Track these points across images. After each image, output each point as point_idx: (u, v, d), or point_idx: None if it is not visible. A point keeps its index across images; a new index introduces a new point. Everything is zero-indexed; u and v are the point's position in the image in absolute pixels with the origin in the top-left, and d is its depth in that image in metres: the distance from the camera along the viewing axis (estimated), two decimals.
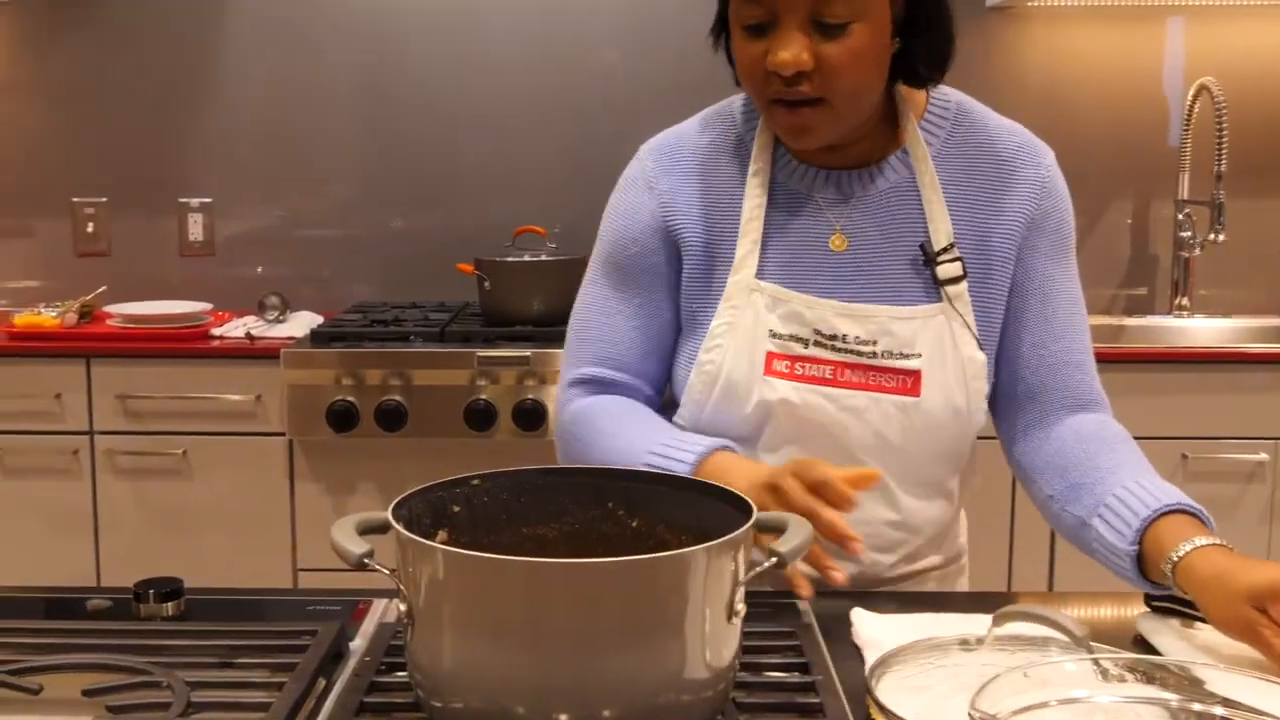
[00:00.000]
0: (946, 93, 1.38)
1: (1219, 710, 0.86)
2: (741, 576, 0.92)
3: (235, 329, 2.91)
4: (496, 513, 1.06)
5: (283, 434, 2.77)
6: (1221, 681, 0.93)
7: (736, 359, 1.30)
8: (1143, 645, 1.19)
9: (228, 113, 3.24)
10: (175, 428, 2.80)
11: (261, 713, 0.96)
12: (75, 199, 3.27)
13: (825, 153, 1.32)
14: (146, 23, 3.21)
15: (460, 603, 0.89)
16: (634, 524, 1.08)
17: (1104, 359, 2.72)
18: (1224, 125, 3.05)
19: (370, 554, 0.94)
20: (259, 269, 3.28)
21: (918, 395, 1.28)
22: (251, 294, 3.10)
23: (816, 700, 0.99)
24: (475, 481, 1.06)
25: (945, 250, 1.29)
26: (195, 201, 3.27)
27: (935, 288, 1.30)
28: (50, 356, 2.80)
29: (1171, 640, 1.16)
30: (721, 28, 1.33)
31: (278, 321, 2.97)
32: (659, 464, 1.25)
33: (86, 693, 1.00)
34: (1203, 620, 1.18)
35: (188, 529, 2.83)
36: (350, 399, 2.70)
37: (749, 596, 0.95)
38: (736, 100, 1.39)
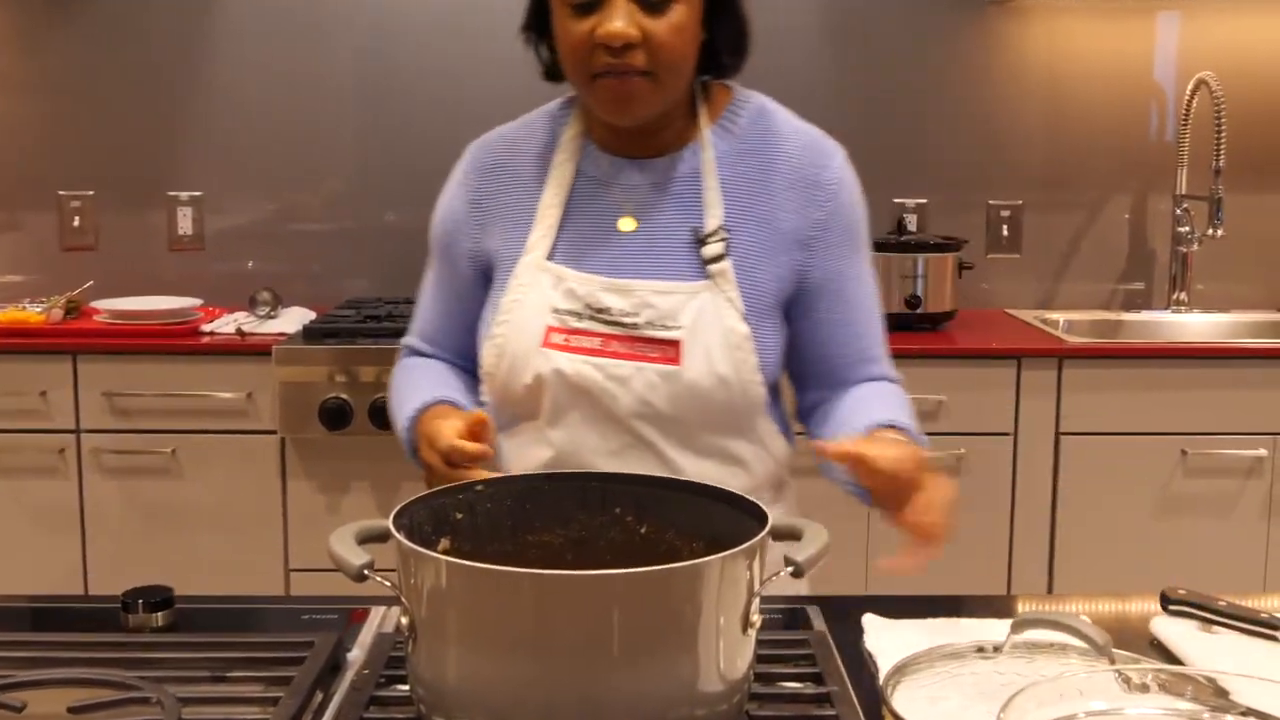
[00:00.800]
0: (750, 96, 1.49)
1: None
2: (757, 586, 0.89)
3: (226, 325, 2.87)
4: (500, 519, 1.03)
5: (274, 432, 2.74)
6: (1249, 691, 0.90)
7: (520, 333, 1.40)
8: (1160, 649, 1.17)
9: (218, 105, 3.20)
10: (164, 426, 2.76)
11: None
12: (62, 192, 3.23)
13: (628, 142, 1.42)
14: (135, 14, 3.17)
15: (465, 615, 0.86)
16: (642, 530, 1.05)
17: (1102, 354, 2.75)
18: (1223, 120, 3.03)
19: (371, 565, 0.90)
20: (250, 264, 3.24)
21: (679, 364, 1.36)
22: (242, 289, 3.06)
23: (832, 713, 0.96)
24: (479, 487, 1.03)
25: (713, 233, 1.39)
26: (185, 195, 3.23)
27: (704, 266, 1.38)
28: (36, 353, 2.76)
29: (1191, 644, 1.13)
30: (534, 25, 1.42)
31: (269, 317, 2.93)
32: (405, 425, 1.44)
33: (72, 710, 0.96)
34: (1222, 623, 1.15)
35: (177, 529, 2.79)
36: (343, 396, 2.66)
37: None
38: (555, 103, 1.51)
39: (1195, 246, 3.18)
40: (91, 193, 3.23)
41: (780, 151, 1.43)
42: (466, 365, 1.53)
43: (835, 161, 1.44)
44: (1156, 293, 3.30)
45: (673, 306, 1.36)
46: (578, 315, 1.39)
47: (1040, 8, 3.20)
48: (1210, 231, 3.07)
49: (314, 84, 3.18)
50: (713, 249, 1.38)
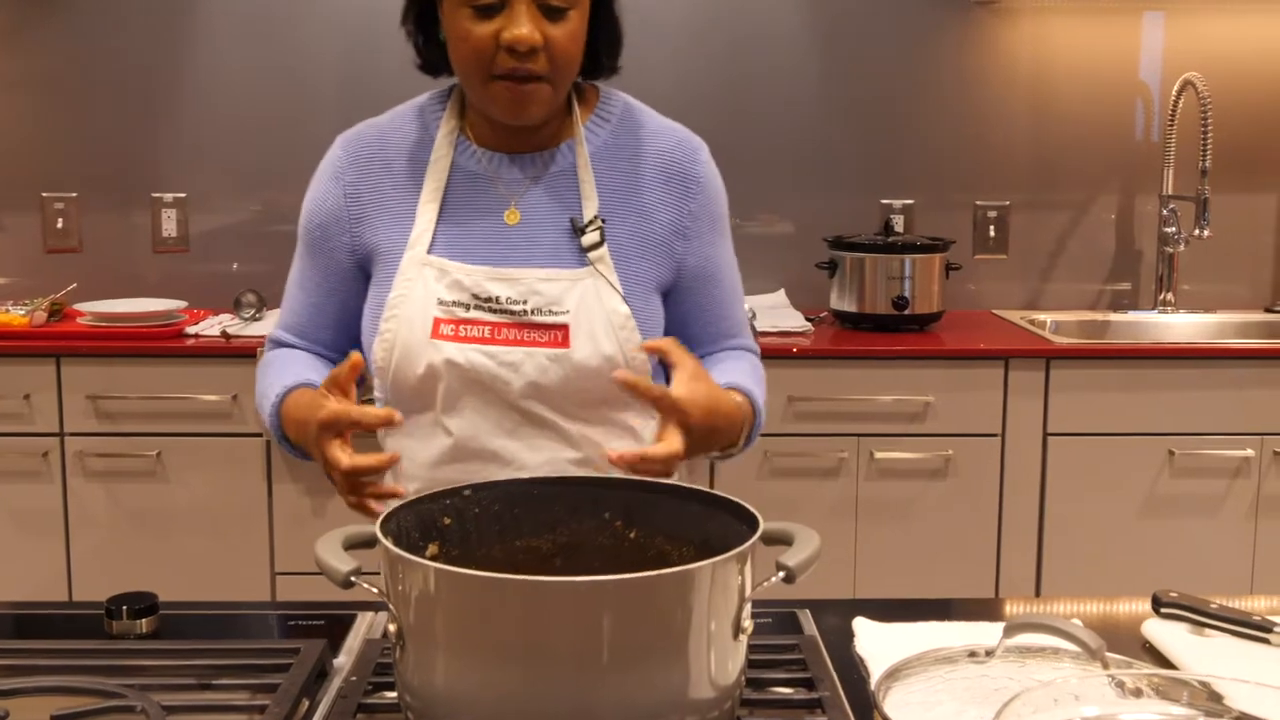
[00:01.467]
0: (615, 94, 1.54)
1: None
2: (748, 592, 0.89)
3: (210, 327, 2.86)
4: (488, 525, 1.02)
5: (259, 435, 2.72)
6: (1242, 695, 0.90)
7: (409, 326, 1.42)
8: (1152, 652, 1.16)
9: (202, 105, 3.18)
10: (148, 429, 2.74)
11: None
12: (45, 194, 3.20)
13: (507, 139, 1.46)
14: (118, 14, 3.15)
15: (453, 622, 0.85)
16: (631, 535, 1.04)
17: (1089, 354, 2.76)
18: (1209, 120, 3.03)
19: (358, 571, 0.89)
20: (234, 265, 3.22)
21: (568, 346, 1.41)
22: (227, 291, 3.04)
23: (823, 718, 0.95)
24: (466, 492, 1.02)
25: (590, 223, 1.44)
26: (169, 196, 3.21)
27: (583, 253, 1.43)
28: (19, 356, 2.74)
29: (1183, 647, 1.13)
30: (415, 19, 1.46)
31: (254, 319, 2.92)
32: (270, 412, 1.45)
33: (56, 718, 0.95)
34: (1214, 626, 1.15)
35: (162, 533, 2.77)
36: None
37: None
38: (423, 97, 1.53)
39: (1181, 247, 3.18)
40: (75, 194, 3.21)
41: (650, 147, 1.49)
42: (335, 358, 1.54)
43: (703, 155, 1.51)
44: (1143, 293, 3.31)
45: (558, 293, 1.41)
46: (464, 306, 1.42)
47: (1025, 9, 3.20)
48: (1196, 232, 3.08)
49: (297, 84, 3.16)
50: (590, 237, 1.43)
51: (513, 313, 1.41)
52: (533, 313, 1.41)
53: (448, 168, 1.47)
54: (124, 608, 1.16)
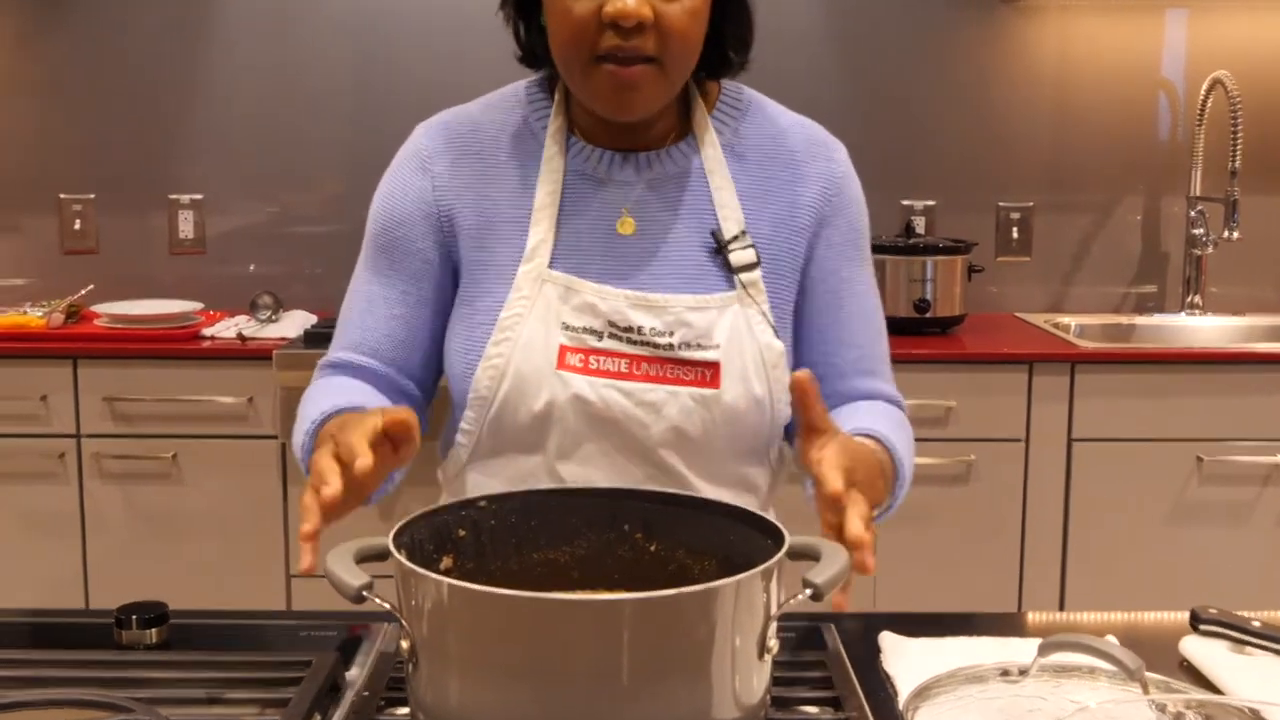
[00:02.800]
0: (740, 88, 1.37)
1: None
2: (774, 610, 0.85)
3: (226, 329, 2.85)
4: (505, 537, 0.99)
5: (275, 437, 2.70)
6: None
7: (527, 353, 1.24)
8: (1190, 670, 1.13)
9: (218, 108, 3.17)
10: (165, 430, 2.73)
11: None
12: (63, 195, 3.20)
13: (616, 136, 1.29)
14: (135, 17, 3.14)
15: (468, 640, 0.82)
16: (652, 548, 1.01)
17: (1114, 359, 2.71)
18: (1239, 120, 2.99)
19: (370, 586, 0.86)
20: (251, 267, 3.21)
21: (718, 387, 1.24)
22: (243, 293, 3.03)
23: None
24: (482, 503, 0.99)
25: (737, 238, 1.27)
26: (185, 198, 3.20)
27: (729, 275, 1.27)
28: (36, 357, 2.73)
29: (1224, 667, 1.09)
30: (515, 2, 1.29)
31: (270, 321, 2.90)
32: (303, 439, 1.22)
33: None
34: (1255, 644, 1.11)
35: (177, 535, 2.76)
36: None
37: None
38: (519, 85, 1.35)
39: (1210, 249, 3.14)
40: (92, 196, 3.21)
41: (784, 145, 1.33)
42: (413, 386, 1.33)
43: (841, 155, 1.35)
44: (1170, 296, 3.26)
45: (707, 323, 1.24)
46: (597, 334, 1.24)
47: (1050, 7, 3.16)
48: (1225, 234, 3.03)
49: (313, 86, 3.15)
50: (742, 256, 1.26)
51: (657, 346, 1.24)
52: (680, 347, 1.23)
53: (562, 168, 1.28)
54: (134, 617, 1.14)
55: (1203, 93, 3.08)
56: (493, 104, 1.34)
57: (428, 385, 1.35)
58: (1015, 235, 3.24)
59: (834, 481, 1.01)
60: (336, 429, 1.04)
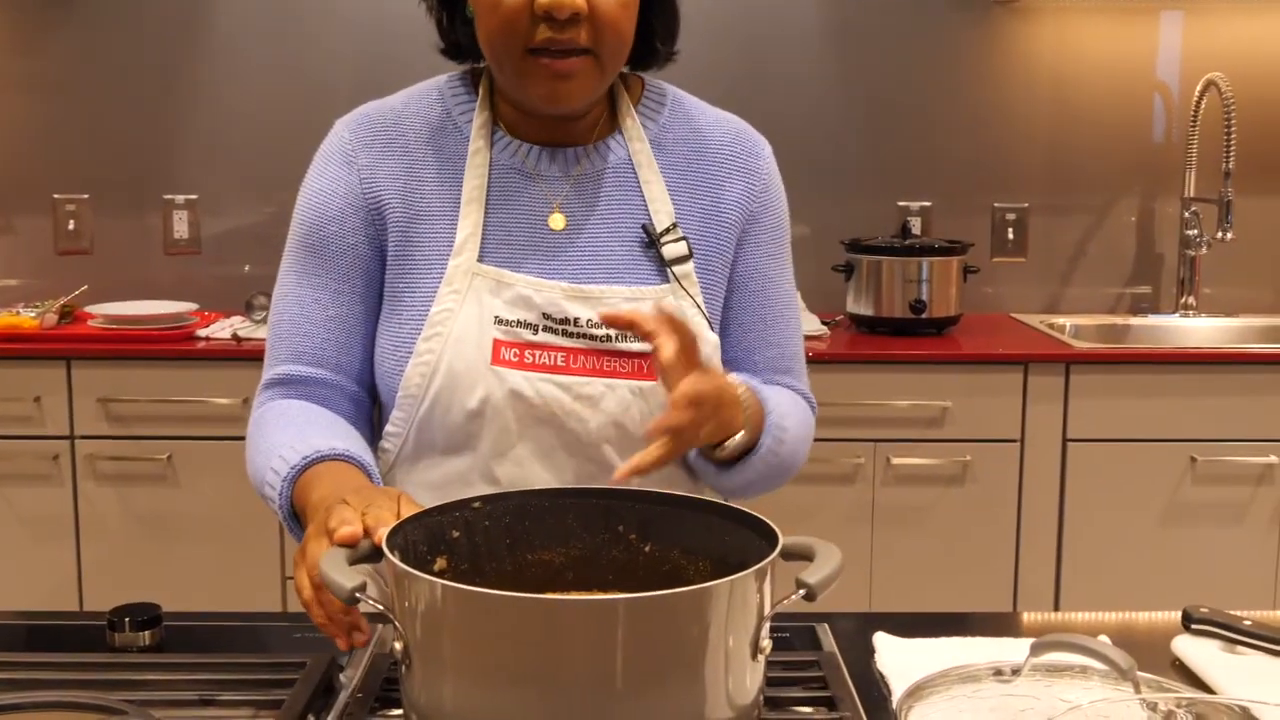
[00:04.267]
0: (661, 84, 1.36)
1: None
2: (767, 610, 0.86)
3: (222, 330, 2.85)
4: (499, 538, 0.99)
5: None
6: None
7: (460, 348, 1.22)
8: (1182, 670, 1.13)
9: (214, 107, 3.17)
10: (159, 432, 2.73)
11: None
12: (56, 195, 3.20)
13: (543, 130, 1.28)
14: (130, 15, 3.14)
15: (463, 641, 0.82)
16: (646, 549, 1.01)
17: (1109, 359, 2.72)
18: (1232, 122, 2.99)
19: (363, 587, 0.86)
20: (246, 268, 3.21)
21: (655, 378, 1.22)
22: (238, 294, 3.03)
23: None
24: (476, 504, 0.99)
25: (669, 230, 1.27)
26: (180, 198, 3.20)
27: (661, 268, 1.26)
28: (29, 359, 2.73)
29: (1215, 666, 1.10)
30: None
31: (265, 322, 2.90)
32: (272, 479, 1.18)
33: None
34: (1246, 644, 1.11)
35: (172, 536, 2.76)
36: None
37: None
38: (440, 79, 1.33)
39: (1204, 250, 3.14)
40: (86, 196, 3.20)
41: (710, 139, 1.32)
42: (360, 391, 1.29)
43: (766, 151, 1.36)
44: (1164, 297, 3.27)
45: None
46: (532, 327, 1.22)
47: (1045, 8, 3.17)
48: (1219, 235, 3.04)
49: (310, 86, 3.15)
50: (675, 248, 1.26)
51: (593, 338, 1.22)
52: (617, 338, 1.22)
53: (488, 162, 1.26)
54: (127, 620, 1.13)
55: (1197, 94, 3.09)
56: (414, 97, 1.32)
57: (373, 387, 1.31)
58: (1011, 236, 3.25)
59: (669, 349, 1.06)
60: (353, 495, 1.01)
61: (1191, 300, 3.18)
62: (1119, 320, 3.17)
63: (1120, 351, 2.80)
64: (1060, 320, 3.10)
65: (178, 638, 1.15)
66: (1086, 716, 0.81)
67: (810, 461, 2.77)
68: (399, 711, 0.94)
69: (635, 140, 1.29)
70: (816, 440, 2.90)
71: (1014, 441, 2.74)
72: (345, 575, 0.86)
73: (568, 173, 1.28)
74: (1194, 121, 3.11)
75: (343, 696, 1.02)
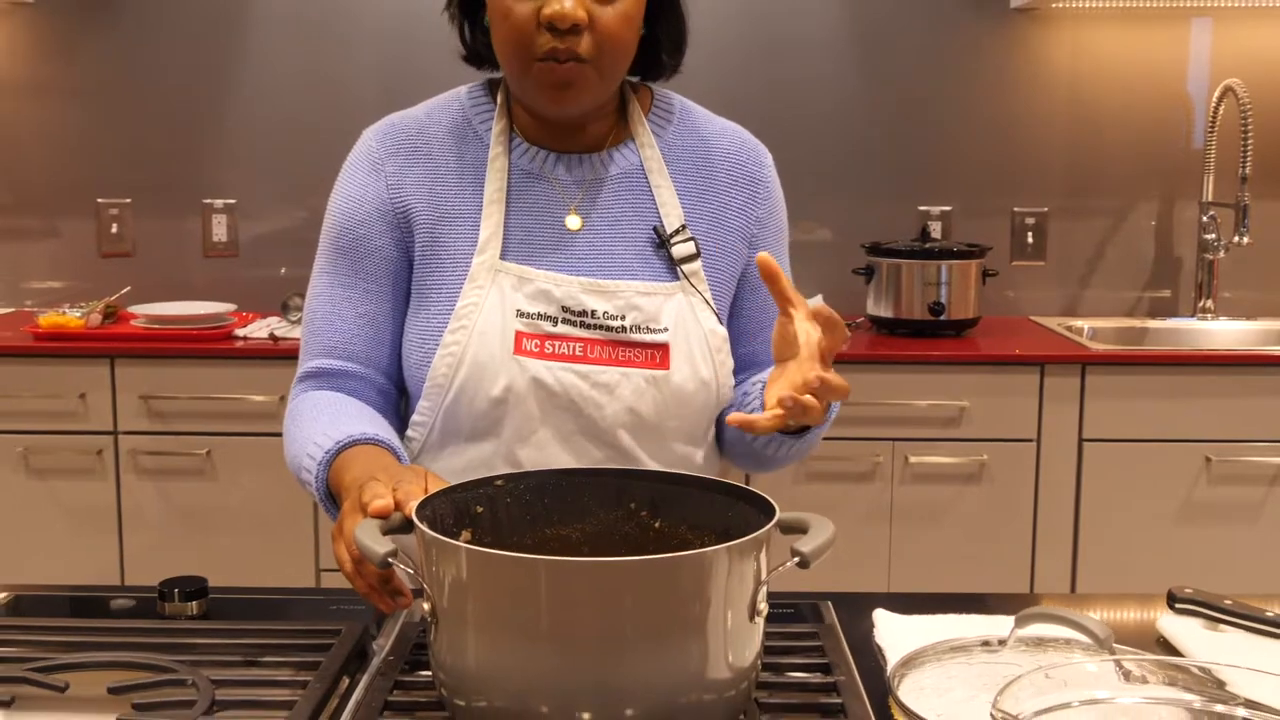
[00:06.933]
0: (669, 94, 1.44)
1: (1241, 711, 0.86)
2: (764, 576, 0.93)
3: (259, 330, 2.93)
4: (519, 514, 1.07)
5: None
6: (1245, 683, 0.92)
7: (484, 339, 1.29)
8: (1166, 647, 1.19)
9: (251, 114, 3.26)
10: (199, 428, 2.81)
11: (286, 711, 0.97)
12: (100, 200, 3.30)
13: (556, 137, 1.36)
14: (171, 24, 3.24)
15: (484, 601, 0.90)
16: (656, 525, 1.08)
17: (1128, 361, 2.76)
18: (1249, 127, 3.03)
19: (394, 553, 0.94)
20: (282, 270, 3.30)
21: (667, 368, 1.30)
22: (275, 295, 3.12)
23: (838, 700, 0.99)
24: (498, 482, 1.07)
25: (678, 231, 1.34)
26: (219, 203, 3.29)
27: (671, 267, 1.34)
28: (75, 357, 2.82)
29: (1195, 642, 1.15)
30: (460, 3, 1.36)
31: (300, 322, 2.97)
32: (309, 464, 1.24)
33: (112, 690, 1.01)
34: (1228, 622, 1.17)
35: (211, 529, 2.84)
36: None
37: (769, 598, 0.96)
38: (461, 90, 1.42)
39: (1221, 254, 3.18)
40: (129, 200, 3.30)
41: (716, 149, 1.40)
42: (388, 383, 1.38)
43: (768, 159, 1.44)
44: (1182, 300, 3.31)
45: (655, 308, 1.31)
46: (551, 319, 1.30)
47: (1064, 15, 3.21)
48: (1236, 239, 3.08)
49: (342, 93, 3.23)
50: (684, 249, 1.34)
51: (609, 329, 1.30)
52: (631, 329, 1.30)
53: (506, 167, 1.34)
54: (176, 590, 1.22)
55: (1214, 100, 3.13)
56: (436, 106, 1.40)
57: (400, 381, 1.39)
58: (1030, 240, 3.30)
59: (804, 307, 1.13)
60: (383, 473, 1.08)
61: (1209, 304, 3.21)
62: (1137, 323, 3.21)
63: (1135, 353, 2.84)
64: (1078, 323, 3.14)
65: (222, 608, 1.23)
66: (1058, 675, 0.88)
67: (830, 459, 2.84)
68: (426, 673, 1.02)
69: (646, 147, 1.37)
70: (836, 439, 2.94)
71: (1030, 441, 2.79)
72: (379, 543, 0.94)
73: (582, 177, 1.35)
74: (1211, 127, 3.15)
75: (375, 660, 1.10)
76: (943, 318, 2.96)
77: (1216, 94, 3.12)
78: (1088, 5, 3.13)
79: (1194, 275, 3.27)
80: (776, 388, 1.15)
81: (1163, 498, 2.79)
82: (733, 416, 1.13)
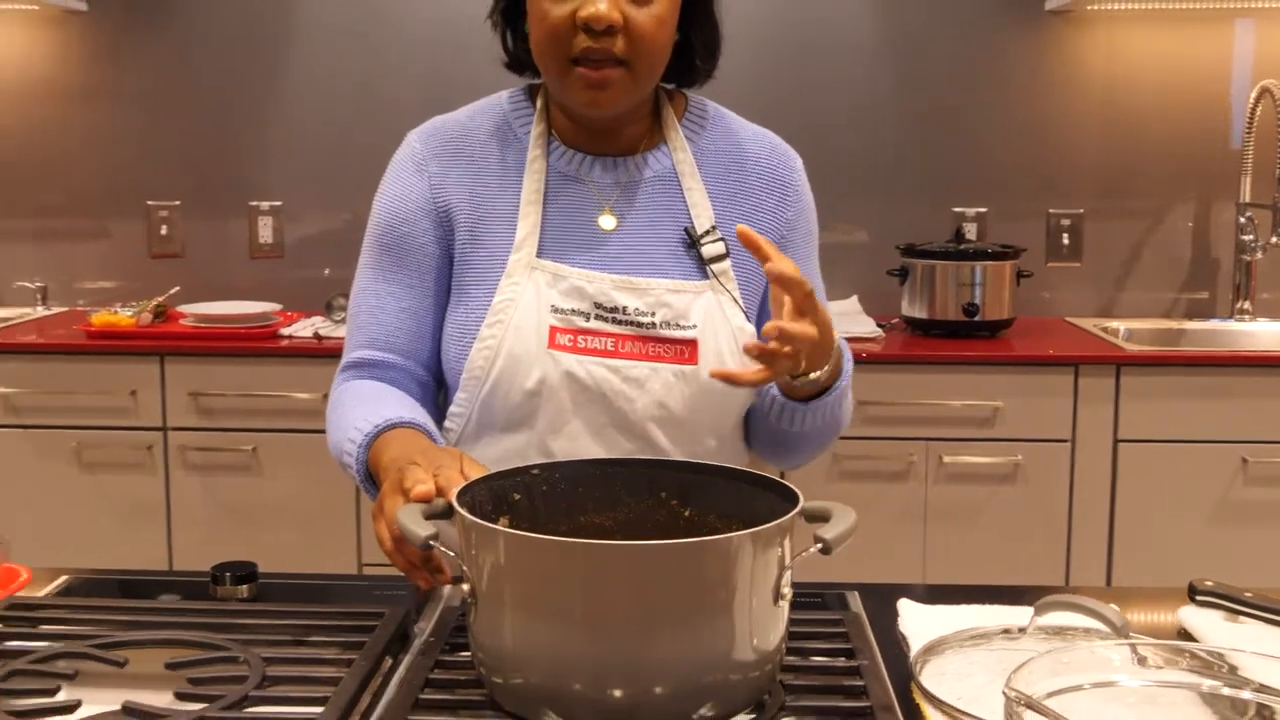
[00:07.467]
0: (703, 100, 1.48)
1: (1248, 694, 0.88)
2: (788, 561, 0.96)
3: (303, 329, 2.99)
4: (555, 502, 1.11)
5: None
6: (1257, 667, 0.95)
7: (519, 334, 1.33)
8: (1186, 638, 1.21)
9: (296, 119, 3.33)
10: (245, 425, 2.88)
11: (332, 687, 1.02)
12: (150, 202, 3.38)
13: (592, 140, 1.40)
14: (219, 32, 3.31)
15: (521, 583, 0.94)
16: (686, 513, 1.12)
17: (1165, 362, 2.77)
18: None
19: (435, 536, 0.99)
20: (326, 271, 3.36)
21: (695, 363, 1.34)
22: (319, 295, 3.18)
23: (861, 683, 1.03)
24: (535, 471, 1.11)
25: (708, 232, 1.39)
26: (265, 205, 3.36)
27: (701, 266, 1.38)
28: (126, 355, 2.89)
29: (1215, 633, 1.18)
30: (503, 10, 1.40)
31: (344, 322, 3.04)
32: (349, 447, 1.29)
33: (169, 665, 1.06)
34: (1248, 614, 1.20)
35: (256, 523, 2.91)
36: None
37: (799, 588, 0.99)
38: (502, 94, 1.47)
39: (1259, 255, 3.18)
40: (178, 203, 3.37)
41: (747, 153, 1.44)
42: (427, 375, 1.43)
43: (798, 163, 1.48)
44: (1220, 301, 3.30)
45: (685, 305, 1.35)
46: (584, 315, 1.34)
47: (1099, 17, 3.22)
48: (1274, 240, 3.07)
49: (385, 98, 3.29)
50: (713, 248, 1.38)
51: (640, 325, 1.34)
52: (661, 326, 1.34)
53: (544, 169, 1.39)
54: (227, 574, 1.27)
55: (1251, 101, 3.13)
56: (478, 110, 1.46)
57: (438, 373, 1.44)
58: (1066, 241, 3.31)
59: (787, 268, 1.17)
60: (421, 456, 1.13)
61: (1247, 305, 3.21)
62: (1175, 324, 3.21)
63: (1169, 354, 2.85)
64: (1114, 324, 3.15)
65: (271, 592, 1.28)
66: (1071, 658, 0.91)
67: (864, 459, 2.86)
68: (465, 654, 1.06)
69: (679, 151, 1.42)
70: (870, 438, 2.94)
71: (1065, 442, 2.80)
72: (421, 526, 0.99)
73: (617, 179, 1.40)
74: (1249, 128, 3.15)
75: (417, 642, 1.15)
76: (977, 319, 2.98)
77: (1254, 95, 3.12)
78: (1122, 7, 3.14)
79: (1231, 276, 3.26)
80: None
81: (1198, 499, 2.80)
82: (714, 370, 1.20)
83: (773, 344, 1.18)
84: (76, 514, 2.91)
